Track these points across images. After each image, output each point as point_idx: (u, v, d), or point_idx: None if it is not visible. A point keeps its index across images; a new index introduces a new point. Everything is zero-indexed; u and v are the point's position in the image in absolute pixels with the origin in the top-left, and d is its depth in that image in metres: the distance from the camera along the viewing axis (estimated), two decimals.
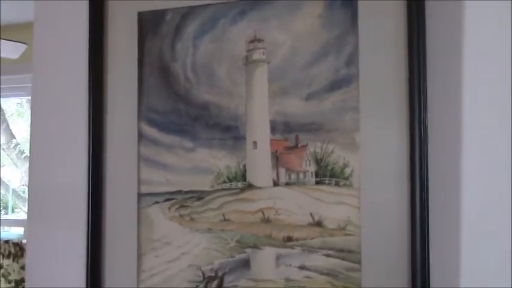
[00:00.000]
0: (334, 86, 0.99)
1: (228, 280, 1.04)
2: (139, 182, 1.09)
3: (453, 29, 0.96)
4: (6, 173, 5.27)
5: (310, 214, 0.99)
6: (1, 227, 3.83)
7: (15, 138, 5.17)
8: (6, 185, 5.20)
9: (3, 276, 2.99)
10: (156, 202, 1.09)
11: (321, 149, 0.99)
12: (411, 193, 0.93)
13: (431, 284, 0.92)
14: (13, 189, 5.11)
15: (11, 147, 5.22)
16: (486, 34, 0.95)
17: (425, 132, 0.93)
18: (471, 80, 0.95)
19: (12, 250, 3.01)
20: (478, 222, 0.94)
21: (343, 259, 0.97)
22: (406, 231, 0.94)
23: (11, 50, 2.58)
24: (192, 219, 1.06)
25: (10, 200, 5.15)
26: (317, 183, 0.99)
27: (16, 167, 5.21)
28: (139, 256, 1.09)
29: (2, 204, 5.15)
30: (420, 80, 0.94)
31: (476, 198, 0.94)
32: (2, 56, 2.68)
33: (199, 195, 1.06)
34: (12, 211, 5.07)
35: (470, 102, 0.95)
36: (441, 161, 0.95)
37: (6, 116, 5.24)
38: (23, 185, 5.11)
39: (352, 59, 0.98)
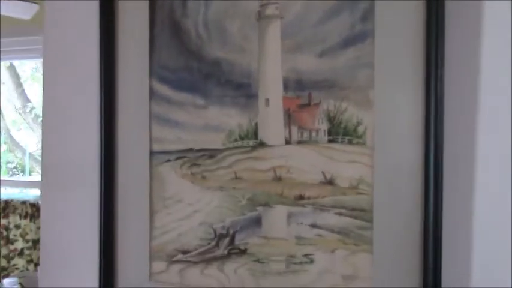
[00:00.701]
0: (348, 42, 0.97)
1: (239, 238, 1.04)
2: (151, 140, 1.09)
3: None
4: (22, 136, 5.33)
5: (322, 172, 0.99)
6: (18, 188, 3.89)
7: (30, 102, 5.20)
8: (23, 148, 5.26)
9: (21, 235, 3.05)
10: (168, 160, 1.08)
11: (334, 106, 0.97)
12: (425, 152, 0.92)
13: (444, 246, 0.91)
14: (29, 153, 5.17)
15: (27, 111, 5.26)
16: None
17: (441, 90, 0.91)
18: (490, 37, 0.92)
19: (29, 211, 3.06)
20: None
21: (354, 218, 0.97)
22: (419, 190, 0.93)
23: (23, 10, 2.56)
24: (203, 177, 1.06)
25: (27, 163, 5.22)
26: (330, 141, 0.98)
27: (32, 130, 5.26)
28: (152, 213, 1.10)
29: (19, 167, 5.22)
30: (438, 36, 0.91)
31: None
32: (14, 16, 2.66)
33: (211, 154, 1.05)
34: (30, 174, 5.14)
35: (488, 61, 0.92)
36: (457, 120, 0.93)
37: (21, 80, 5.26)
38: (39, 149, 5.16)
39: (368, 15, 0.96)
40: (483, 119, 0.92)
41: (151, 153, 1.09)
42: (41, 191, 1.25)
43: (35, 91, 5.29)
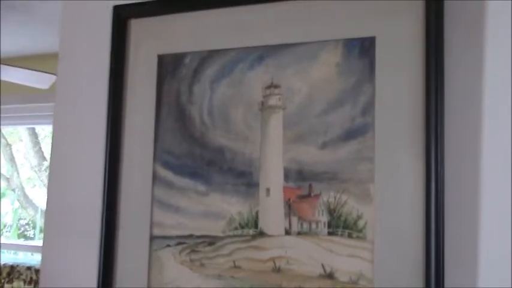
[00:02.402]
0: (350, 135, 0.98)
1: None
2: (152, 224, 1.09)
3: (471, 77, 0.94)
4: (36, 194, 5.37)
5: (322, 265, 0.97)
6: (28, 253, 3.88)
7: (46, 161, 5.27)
8: (36, 206, 5.29)
9: None
10: (168, 245, 1.08)
11: (335, 199, 0.97)
12: (426, 250, 0.90)
13: None
14: (42, 210, 5.19)
15: (42, 169, 5.33)
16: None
17: (441, 185, 0.91)
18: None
19: (34, 276, 3.05)
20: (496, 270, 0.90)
21: None
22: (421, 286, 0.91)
23: (41, 81, 2.64)
24: (202, 264, 1.05)
25: (38, 220, 5.23)
26: (329, 233, 0.97)
27: (46, 188, 5.30)
28: None
29: (31, 224, 5.23)
30: (437, 132, 0.91)
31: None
32: (33, 85, 2.75)
33: (211, 241, 1.05)
34: (40, 231, 5.14)
35: (489, 157, 0.92)
36: (459, 211, 0.92)
37: (38, 138, 5.36)
38: None
39: (368, 108, 0.97)
40: (486, 207, 0.91)
41: (152, 238, 1.09)
42: (42, 260, 1.25)
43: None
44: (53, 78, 2.55)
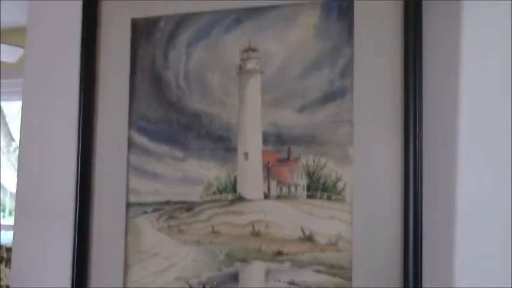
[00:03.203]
0: (328, 98, 0.97)
1: None
2: (128, 191, 1.07)
3: (450, 45, 0.94)
4: (5, 176, 5.25)
5: (301, 228, 0.97)
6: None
7: (14, 141, 5.15)
8: (5, 188, 5.18)
9: None
10: (145, 212, 1.06)
11: (314, 162, 0.97)
12: (405, 209, 0.91)
13: None
14: (11, 193, 5.09)
15: (11, 150, 5.21)
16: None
17: (420, 145, 0.91)
18: (468, 95, 0.93)
19: (5, 255, 2.99)
20: (473, 241, 0.91)
21: (333, 275, 0.95)
22: (399, 248, 0.91)
23: (9, 54, 2.56)
24: (180, 230, 1.04)
25: (8, 203, 5.13)
26: (309, 197, 0.97)
27: (15, 170, 5.19)
28: (127, 267, 1.07)
29: (0, 208, 5.13)
30: (416, 93, 0.91)
31: (470, 218, 0.91)
32: (0, 59, 2.66)
33: (189, 206, 1.04)
34: (10, 214, 5.04)
35: (467, 117, 0.93)
36: (436, 176, 0.93)
37: (6, 119, 5.22)
38: None
39: (347, 71, 0.96)
40: (462, 173, 0.92)
41: (128, 205, 1.07)
42: (14, 234, 1.22)
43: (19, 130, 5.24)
44: (20, 51, 2.48)
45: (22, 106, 1.22)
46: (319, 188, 0.97)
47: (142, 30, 1.10)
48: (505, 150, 0.90)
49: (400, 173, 0.92)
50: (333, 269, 0.95)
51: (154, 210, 1.06)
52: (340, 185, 0.95)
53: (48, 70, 1.20)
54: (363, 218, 0.94)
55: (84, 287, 1.08)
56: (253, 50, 1.02)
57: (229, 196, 1.01)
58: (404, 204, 0.91)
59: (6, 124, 5.20)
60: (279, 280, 0.98)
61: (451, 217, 0.92)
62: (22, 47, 2.53)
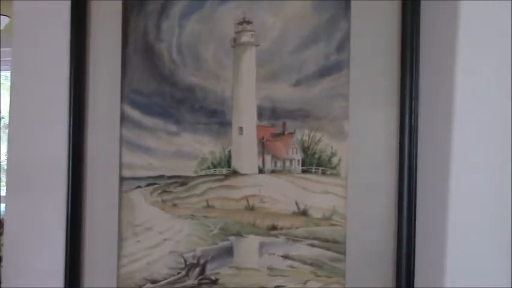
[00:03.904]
0: (324, 72, 0.96)
1: (210, 268, 1.02)
2: (121, 166, 1.06)
3: (448, 17, 0.93)
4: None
5: (296, 203, 0.97)
6: None
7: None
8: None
9: None
10: (138, 186, 1.06)
11: (309, 136, 0.97)
12: (399, 184, 0.91)
13: (416, 279, 0.90)
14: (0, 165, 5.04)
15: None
16: (481, 25, 0.93)
17: (415, 122, 0.91)
18: (464, 69, 0.93)
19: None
20: (466, 217, 0.92)
21: (327, 249, 0.96)
22: (393, 222, 0.92)
23: None
24: (174, 204, 1.04)
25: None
26: (303, 171, 0.97)
27: (1, 140, 5.14)
28: (120, 241, 1.06)
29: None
30: (413, 67, 0.91)
31: (464, 193, 0.92)
32: None
33: (183, 181, 1.03)
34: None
35: (462, 91, 0.93)
36: (431, 151, 0.93)
37: None
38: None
39: (343, 45, 0.95)
40: (457, 148, 0.92)
41: (121, 179, 1.06)
42: (5, 207, 1.20)
43: (5, 100, 5.17)
44: (5, 19, 2.42)
45: (11, 77, 1.20)
46: (314, 162, 0.96)
47: (133, 2, 1.07)
48: (501, 125, 0.91)
49: (395, 148, 0.92)
50: (327, 243, 0.96)
51: (148, 185, 1.05)
52: (335, 160, 0.95)
53: (37, 41, 1.16)
54: (358, 193, 0.94)
55: (78, 260, 1.08)
56: (248, 22, 1.00)
57: (224, 171, 1.01)
58: (399, 178, 0.91)
59: None
60: (273, 254, 0.98)
61: (446, 190, 0.93)
62: (7, 16, 2.47)
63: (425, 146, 0.93)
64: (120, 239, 1.06)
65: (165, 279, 1.04)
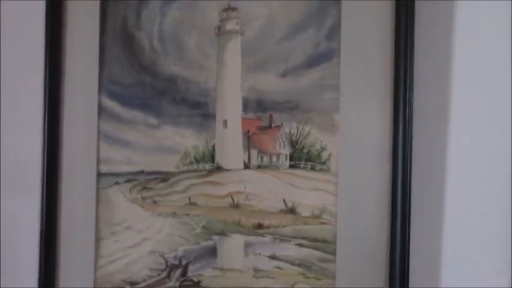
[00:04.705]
0: (313, 61, 0.91)
1: (192, 269, 0.96)
2: (98, 160, 1.00)
3: (444, 3, 0.88)
4: None
5: (283, 200, 0.92)
6: None
7: None
8: None
9: None
10: (117, 183, 1.00)
11: (297, 130, 0.91)
12: (393, 181, 0.86)
13: (411, 280, 0.85)
14: None
15: None
16: (479, 13, 0.88)
17: (410, 114, 0.86)
18: (461, 60, 0.88)
19: None
20: (463, 215, 0.87)
21: (316, 249, 0.91)
22: (386, 221, 0.87)
23: None
24: (155, 202, 0.98)
25: None
26: (291, 167, 0.92)
27: None
28: (98, 240, 1.01)
29: None
30: (407, 57, 0.86)
31: (461, 190, 0.87)
32: None
33: (164, 177, 0.98)
34: None
35: (458, 84, 0.88)
36: (426, 146, 0.88)
37: None
38: None
39: (334, 32, 0.90)
40: (453, 144, 0.88)
41: (99, 175, 1.00)
42: None
43: None
44: None
45: None
46: (303, 157, 0.91)
47: None
48: (497, 115, 0.86)
49: (388, 142, 0.87)
50: (316, 242, 0.91)
51: (127, 181, 0.99)
52: (325, 155, 0.90)
53: (12, 31, 1.10)
54: (349, 190, 0.89)
55: (53, 260, 1.02)
56: (233, 9, 0.95)
57: (207, 166, 0.96)
58: (393, 175, 0.86)
59: None
60: (259, 254, 0.93)
61: (441, 188, 0.88)
62: None
63: (420, 141, 0.88)
64: (98, 238, 1.00)
65: (145, 281, 0.98)
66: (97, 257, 1.00)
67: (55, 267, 1.02)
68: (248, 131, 0.94)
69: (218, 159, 0.95)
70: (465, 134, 0.88)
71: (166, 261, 0.97)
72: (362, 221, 0.89)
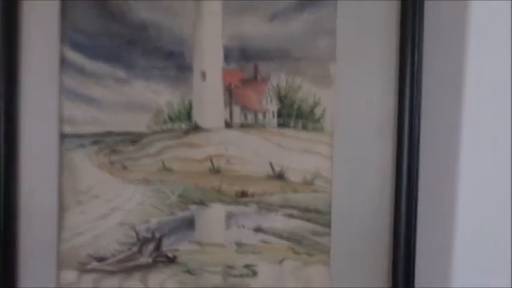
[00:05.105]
0: (306, 2, 0.78)
1: (167, 243, 0.85)
2: (61, 120, 0.88)
3: None
4: None
5: (270, 164, 0.80)
6: None
7: None
8: None
9: None
10: (82, 145, 0.88)
11: (286, 82, 0.79)
12: (398, 140, 0.74)
13: (418, 254, 0.74)
14: None
15: None
16: None
17: (419, 64, 0.73)
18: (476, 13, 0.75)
19: None
20: (477, 186, 0.75)
21: (308, 221, 0.80)
22: (389, 189, 0.75)
23: None
24: (124, 167, 0.86)
25: None
26: (280, 125, 0.80)
27: None
28: (61, 210, 0.89)
29: None
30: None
31: (473, 157, 0.75)
32: None
33: (134, 138, 0.86)
34: None
35: (475, 38, 0.75)
36: (437, 98, 0.75)
37: None
38: None
39: None
40: (466, 110, 0.75)
41: (62, 136, 0.88)
42: None
43: None
44: None
45: None
46: (293, 114, 0.79)
47: None
48: None
49: (393, 97, 0.75)
50: (309, 213, 0.80)
51: (93, 143, 0.87)
52: (318, 111, 0.78)
53: None
54: (346, 152, 0.77)
55: (13, 232, 0.90)
56: None
57: (183, 125, 0.83)
58: (398, 134, 0.74)
59: None
60: (243, 226, 0.82)
61: (455, 153, 0.75)
62: None
63: (430, 90, 0.75)
64: (61, 208, 0.89)
65: (114, 256, 0.87)
66: (61, 228, 0.89)
67: (14, 241, 0.90)
68: (230, 84, 0.81)
69: (196, 117, 0.83)
70: (482, 97, 0.75)
71: (137, 234, 0.86)
72: (361, 188, 0.77)
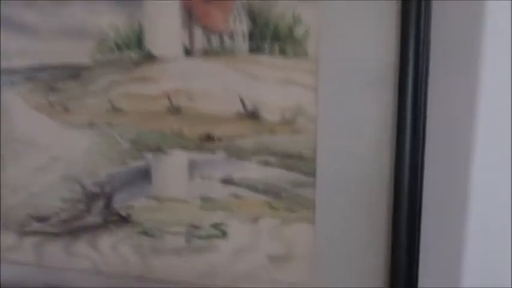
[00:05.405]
0: None
1: (119, 199, 0.71)
2: None
3: None
4: None
5: (241, 100, 0.65)
6: None
7: None
8: None
9: None
10: (12, 83, 0.72)
11: None
12: (401, 67, 0.57)
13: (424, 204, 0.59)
14: None
15: None
16: None
17: None
18: None
19: None
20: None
21: (289, 169, 0.65)
22: (389, 128, 0.60)
23: None
24: (65, 108, 0.71)
25: None
26: (252, 50, 0.64)
27: None
28: None
29: None
30: None
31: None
32: None
33: (75, 72, 0.70)
34: None
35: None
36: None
37: None
38: None
39: None
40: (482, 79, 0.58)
41: None
42: None
43: None
44: None
45: None
46: (268, 36, 0.63)
47: None
48: None
49: (395, 11, 0.58)
50: (289, 159, 0.65)
51: (26, 79, 0.72)
52: (299, 31, 0.62)
53: None
54: (335, 81, 0.61)
55: None
56: None
57: (133, 54, 0.68)
58: (401, 58, 0.58)
59: None
60: (209, 177, 0.68)
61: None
62: None
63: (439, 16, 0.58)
64: None
65: (57, 215, 0.74)
66: None
67: None
68: (189, 1, 0.65)
69: (148, 43, 0.67)
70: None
71: (84, 189, 0.72)
72: (354, 127, 0.61)
